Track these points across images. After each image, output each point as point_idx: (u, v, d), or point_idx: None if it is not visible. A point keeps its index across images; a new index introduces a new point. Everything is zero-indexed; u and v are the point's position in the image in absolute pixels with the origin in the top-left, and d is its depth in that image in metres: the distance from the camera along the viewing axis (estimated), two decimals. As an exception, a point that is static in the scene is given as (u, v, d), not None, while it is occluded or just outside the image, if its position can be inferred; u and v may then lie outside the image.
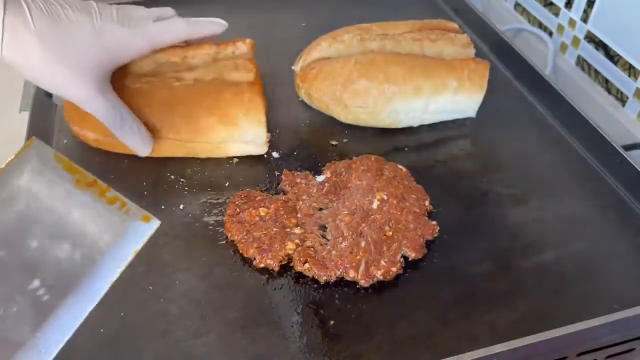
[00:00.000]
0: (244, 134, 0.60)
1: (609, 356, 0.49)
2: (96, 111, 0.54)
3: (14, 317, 0.33)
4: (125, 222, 0.36)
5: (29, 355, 0.33)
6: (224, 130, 0.60)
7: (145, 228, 0.36)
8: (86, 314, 0.34)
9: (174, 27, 0.57)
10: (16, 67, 0.50)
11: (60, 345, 0.34)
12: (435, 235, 0.54)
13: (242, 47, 0.64)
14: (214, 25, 0.60)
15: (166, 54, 0.61)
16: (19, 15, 0.47)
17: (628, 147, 0.65)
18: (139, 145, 0.58)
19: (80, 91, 0.52)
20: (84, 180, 0.36)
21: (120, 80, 0.58)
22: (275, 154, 0.64)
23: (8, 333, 0.33)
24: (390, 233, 0.53)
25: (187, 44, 0.62)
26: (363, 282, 0.50)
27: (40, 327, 0.33)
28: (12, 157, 0.35)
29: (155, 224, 0.36)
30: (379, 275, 0.50)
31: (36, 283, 0.34)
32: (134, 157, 0.62)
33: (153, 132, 0.59)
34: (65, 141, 0.65)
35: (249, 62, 0.62)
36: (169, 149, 0.61)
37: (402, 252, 0.52)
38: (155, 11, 0.57)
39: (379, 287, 0.50)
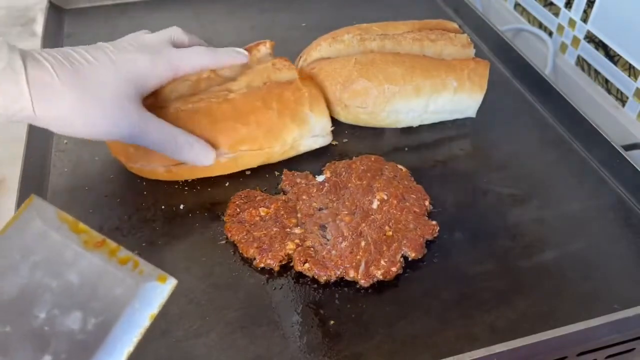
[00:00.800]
0: (313, 128, 0.62)
1: (609, 356, 0.49)
2: (144, 140, 0.52)
3: None
4: (139, 283, 0.33)
5: None
6: (296, 129, 0.61)
7: (161, 289, 0.33)
8: None
9: (198, 57, 0.56)
10: (48, 124, 0.48)
11: None
12: (435, 235, 0.54)
13: (264, 49, 0.65)
14: (237, 56, 0.60)
15: None
16: (40, 70, 0.46)
17: (628, 147, 0.65)
18: (200, 156, 0.56)
19: (120, 127, 0.50)
20: (92, 240, 0.33)
21: (168, 106, 0.57)
22: (275, 154, 0.64)
23: None
24: (390, 233, 0.53)
25: None
26: (363, 282, 0.50)
27: None
28: (11, 219, 0.32)
29: (171, 283, 0.33)
30: (379, 275, 0.50)
31: (47, 359, 0.31)
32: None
33: (227, 148, 0.58)
34: (65, 142, 0.65)
35: (283, 60, 0.64)
36: (246, 161, 0.61)
37: (402, 252, 0.52)
38: (166, 33, 0.56)
39: (379, 287, 0.50)
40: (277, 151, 0.61)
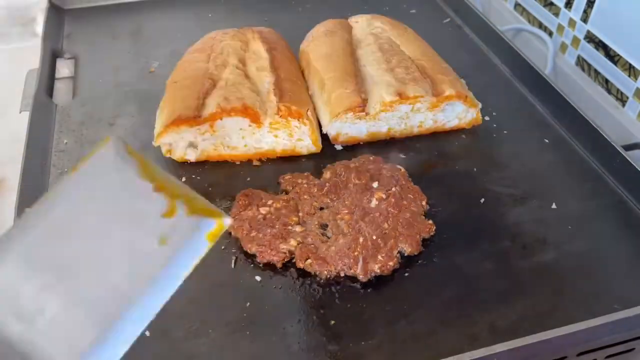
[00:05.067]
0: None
1: (608, 356, 0.49)
2: None
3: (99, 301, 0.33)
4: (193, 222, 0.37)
5: (110, 339, 0.33)
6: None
7: (214, 223, 0.37)
8: (162, 304, 0.35)
9: None
10: None
11: (139, 333, 0.34)
12: (432, 233, 0.54)
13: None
14: None
15: None
16: None
17: (628, 147, 0.65)
18: None
19: None
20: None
21: None
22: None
23: (94, 310, 0.33)
24: (388, 230, 0.53)
25: None
26: (362, 277, 0.50)
27: (119, 316, 0.33)
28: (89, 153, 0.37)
29: (227, 222, 0.37)
30: (376, 269, 0.50)
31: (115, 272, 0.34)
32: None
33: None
34: (65, 141, 0.65)
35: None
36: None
37: (399, 248, 0.52)
38: None
39: (379, 286, 0.50)
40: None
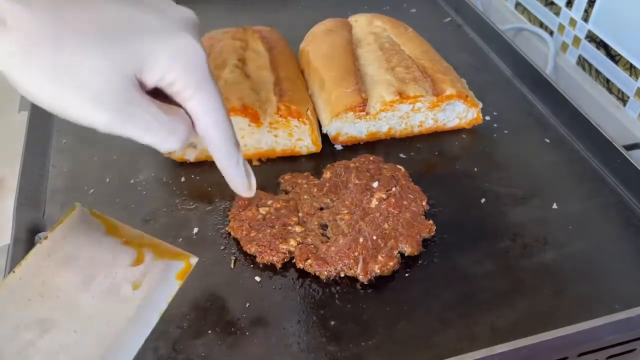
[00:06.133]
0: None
1: (610, 356, 0.49)
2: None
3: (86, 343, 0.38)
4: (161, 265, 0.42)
5: None
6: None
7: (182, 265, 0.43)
8: (143, 339, 0.39)
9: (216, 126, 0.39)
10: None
11: None
12: (432, 233, 0.54)
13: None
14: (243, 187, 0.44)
15: None
16: None
17: (629, 147, 0.65)
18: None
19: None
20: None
21: None
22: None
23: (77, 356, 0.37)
24: (388, 231, 0.53)
25: None
26: (362, 277, 0.50)
27: (103, 356, 0.38)
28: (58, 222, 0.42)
29: (194, 260, 0.43)
30: (376, 269, 0.50)
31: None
32: (140, 155, 0.63)
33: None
34: (64, 141, 0.65)
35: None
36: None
37: (399, 248, 0.52)
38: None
39: (380, 286, 0.50)
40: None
